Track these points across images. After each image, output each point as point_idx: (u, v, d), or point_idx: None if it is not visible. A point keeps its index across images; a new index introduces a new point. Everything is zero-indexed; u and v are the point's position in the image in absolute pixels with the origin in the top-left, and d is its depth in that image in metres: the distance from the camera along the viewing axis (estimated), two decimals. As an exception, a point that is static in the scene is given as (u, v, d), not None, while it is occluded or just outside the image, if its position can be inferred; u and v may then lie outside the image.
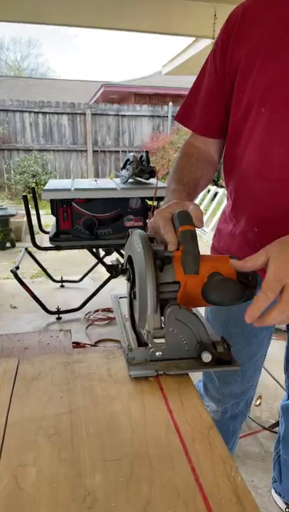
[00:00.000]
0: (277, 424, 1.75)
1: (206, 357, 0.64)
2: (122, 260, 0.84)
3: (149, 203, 2.88)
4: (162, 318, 0.68)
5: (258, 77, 0.81)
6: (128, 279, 0.81)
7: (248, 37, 0.83)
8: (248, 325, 1.09)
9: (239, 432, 1.28)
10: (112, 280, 2.73)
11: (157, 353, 0.66)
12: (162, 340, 0.67)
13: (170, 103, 9.47)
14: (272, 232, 0.74)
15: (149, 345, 0.67)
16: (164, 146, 8.45)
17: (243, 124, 0.87)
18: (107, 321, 2.69)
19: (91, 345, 2.36)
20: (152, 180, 2.86)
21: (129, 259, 0.79)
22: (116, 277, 2.78)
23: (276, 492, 1.35)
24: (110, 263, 0.87)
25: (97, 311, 2.80)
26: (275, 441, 1.33)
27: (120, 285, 3.22)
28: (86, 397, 0.58)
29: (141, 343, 0.75)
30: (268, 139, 0.83)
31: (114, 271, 0.81)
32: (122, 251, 2.93)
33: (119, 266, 0.84)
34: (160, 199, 2.83)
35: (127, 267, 0.81)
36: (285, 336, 1.14)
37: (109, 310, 2.81)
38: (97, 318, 2.72)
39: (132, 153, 2.79)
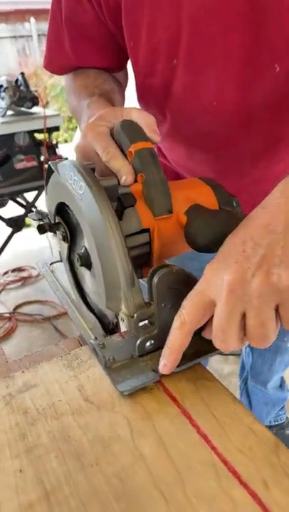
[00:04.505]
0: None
1: (220, 331, 0.43)
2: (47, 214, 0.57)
3: (39, 137, 2.45)
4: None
5: (154, 20, 0.53)
6: (64, 239, 0.55)
7: None
8: (206, 257, 0.93)
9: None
10: (16, 235, 2.35)
11: (148, 343, 0.43)
12: (146, 321, 0.44)
13: (32, 19, 8.22)
14: None
15: (128, 331, 0.44)
16: (36, 72, 7.45)
17: (149, 77, 0.61)
18: (21, 282, 2.36)
19: (10, 314, 2.04)
20: (37, 109, 2.40)
21: (60, 208, 0.53)
22: (19, 231, 2.40)
23: (245, 415, 1.33)
24: (33, 217, 0.59)
25: (6, 273, 2.44)
26: (239, 369, 1.27)
27: (29, 239, 2.83)
28: (64, 456, 0.34)
29: (106, 325, 0.52)
30: (185, 99, 0.59)
31: (40, 229, 0.54)
32: (19, 199, 2.51)
33: (46, 220, 0.57)
34: (52, 130, 2.42)
35: (57, 220, 0.55)
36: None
37: (20, 269, 2.46)
38: (8, 281, 2.36)
39: (3, 77, 2.26)
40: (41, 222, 0.55)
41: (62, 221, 0.54)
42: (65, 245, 0.55)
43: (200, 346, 0.45)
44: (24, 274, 2.42)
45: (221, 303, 0.35)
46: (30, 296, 2.22)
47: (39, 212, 0.58)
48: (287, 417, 1.27)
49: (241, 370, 1.24)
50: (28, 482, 0.32)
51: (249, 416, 0.36)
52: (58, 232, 0.55)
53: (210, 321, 0.38)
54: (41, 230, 0.53)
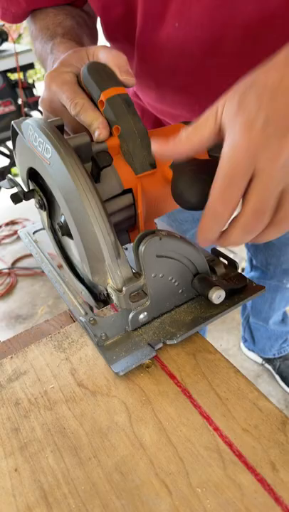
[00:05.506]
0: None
1: (218, 296, 0.40)
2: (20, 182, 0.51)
3: (12, 77, 2.26)
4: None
5: None
6: (41, 207, 0.50)
7: None
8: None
9: None
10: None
11: (141, 316, 0.40)
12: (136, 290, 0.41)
13: None
14: None
15: (119, 305, 0.41)
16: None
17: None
18: (16, 236, 2.31)
19: (9, 269, 2.03)
20: (7, 46, 2.18)
21: (32, 174, 0.47)
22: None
23: (249, 350, 1.36)
24: (5, 186, 0.53)
25: (-1, 227, 2.38)
26: (240, 307, 1.27)
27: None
28: (60, 451, 0.32)
29: (97, 296, 0.48)
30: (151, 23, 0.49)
31: (14, 199, 0.48)
32: (1, 149, 2.38)
33: (19, 189, 0.51)
34: (26, 69, 2.21)
35: (31, 186, 0.49)
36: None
37: (13, 222, 2.40)
38: (3, 236, 2.31)
39: None
40: (15, 191, 0.49)
41: (38, 187, 0.48)
42: (44, 213, 0.50)
43: (198, 313, 0.42)
44: (18, 227, 2.37)
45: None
46: (27, 250, 2.18)
47: (11, 179, 0.52)
48: (290, 349, 1.30)
49: (243, 308, 1.25)
50: (24, 483, 0.30)
51: (254, 391, 0.34)
52: (34, 200, 0.49)
53: None
54: (15, 199, 0.48)
